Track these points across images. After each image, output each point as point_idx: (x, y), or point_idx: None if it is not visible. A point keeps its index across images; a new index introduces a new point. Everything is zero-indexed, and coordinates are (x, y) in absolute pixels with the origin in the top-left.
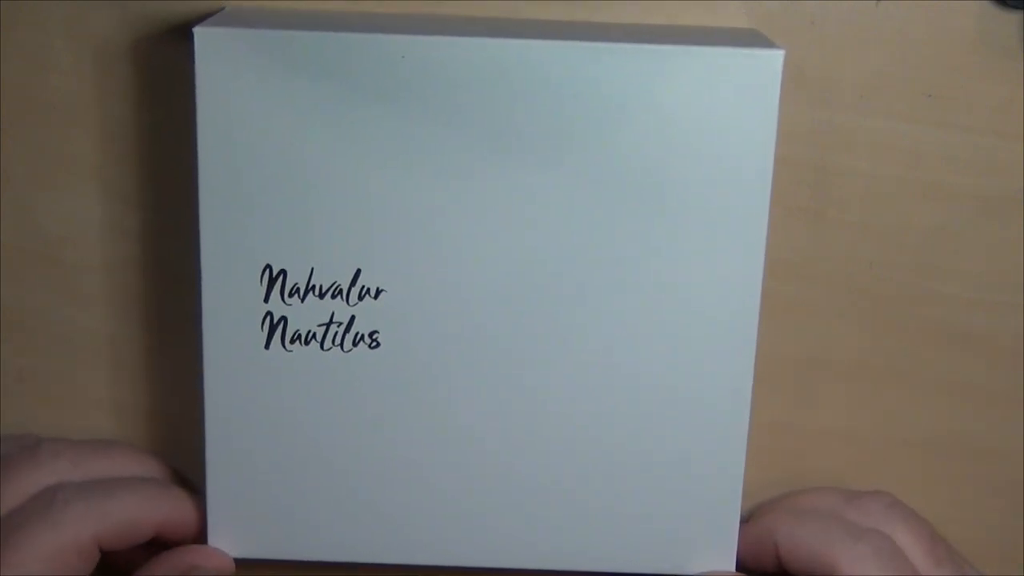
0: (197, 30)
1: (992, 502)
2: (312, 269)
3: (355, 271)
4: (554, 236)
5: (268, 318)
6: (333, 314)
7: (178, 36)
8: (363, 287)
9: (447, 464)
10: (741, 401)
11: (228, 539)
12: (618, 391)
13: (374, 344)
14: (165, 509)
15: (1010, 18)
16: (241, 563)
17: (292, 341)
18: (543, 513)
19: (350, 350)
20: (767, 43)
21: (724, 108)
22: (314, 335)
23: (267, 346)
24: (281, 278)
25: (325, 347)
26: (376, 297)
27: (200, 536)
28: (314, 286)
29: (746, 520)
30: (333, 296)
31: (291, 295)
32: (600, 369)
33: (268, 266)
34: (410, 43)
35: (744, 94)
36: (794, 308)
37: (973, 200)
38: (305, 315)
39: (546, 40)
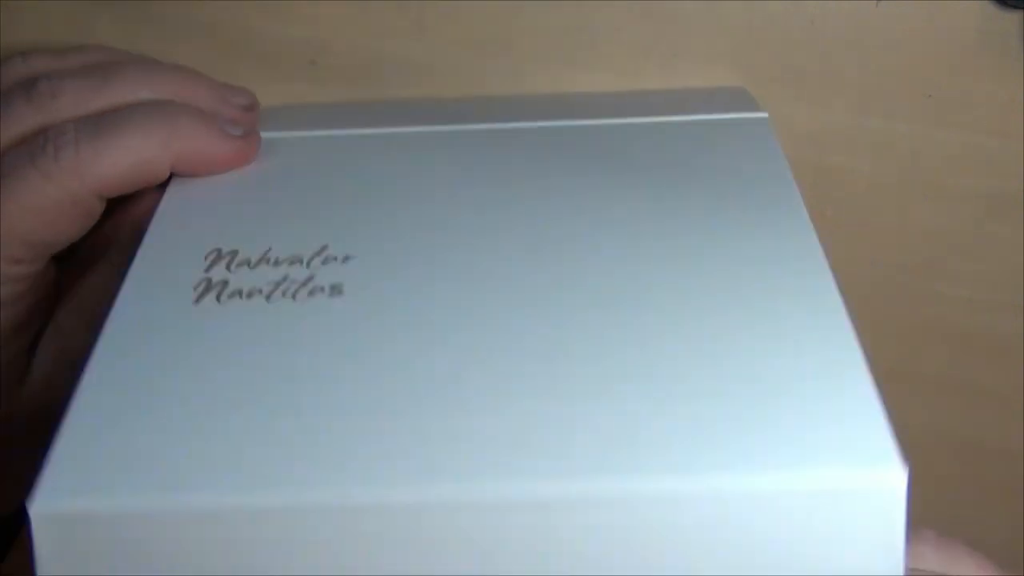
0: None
1: (992, 502)
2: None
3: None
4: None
5: (205, 283)
6: (287, 276)
7: (181, 36)
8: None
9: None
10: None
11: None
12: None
13: (336, 293)
14: (181, 140)
15: (1010, 18)
16: None
17: (230, 296)
18: None
19: (305, 302)
20: (752, 106)
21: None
22: (260, 290)
23: (197, 302)
24: (230, 257)
25: (272, 300)
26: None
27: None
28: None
29: None
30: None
31: (239, 266)
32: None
33: (217, 249)
34: None
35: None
36: None
37: (973, 200)
38: (252, 278)
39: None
